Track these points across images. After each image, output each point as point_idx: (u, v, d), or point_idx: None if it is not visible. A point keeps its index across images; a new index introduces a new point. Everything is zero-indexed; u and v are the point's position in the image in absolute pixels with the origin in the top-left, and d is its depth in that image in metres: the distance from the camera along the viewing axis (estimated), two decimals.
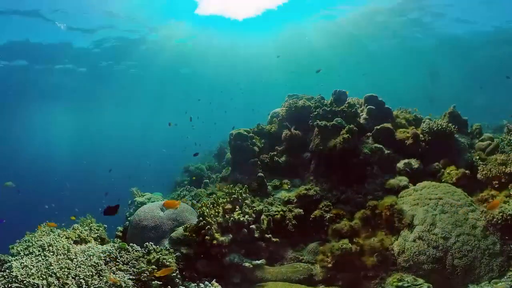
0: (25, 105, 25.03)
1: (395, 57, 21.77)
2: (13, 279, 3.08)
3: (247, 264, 3.97)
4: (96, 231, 4.38)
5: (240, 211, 4.29)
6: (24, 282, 3.06)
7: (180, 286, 3.62)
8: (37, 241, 3.64)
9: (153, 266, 3.60)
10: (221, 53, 19.43)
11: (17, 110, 26.26)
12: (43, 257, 3.40)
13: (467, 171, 4.85)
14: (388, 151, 5.46)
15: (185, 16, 14.86)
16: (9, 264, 3.26)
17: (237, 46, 18.31)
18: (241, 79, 23.78)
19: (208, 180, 8.14)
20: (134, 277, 3.47)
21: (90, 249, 3.73)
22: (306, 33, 17.35)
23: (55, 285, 3.08)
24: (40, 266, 3.26)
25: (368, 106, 6.05)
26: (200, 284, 3.61)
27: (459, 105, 5.98)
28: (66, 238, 3.89)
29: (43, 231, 3.98)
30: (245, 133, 6.24)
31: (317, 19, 15.77)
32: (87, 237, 4.13)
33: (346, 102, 6.21)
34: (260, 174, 5.75)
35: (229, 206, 4.39)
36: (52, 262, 3.33)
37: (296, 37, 17.71)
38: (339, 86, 6.47)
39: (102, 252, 3.68)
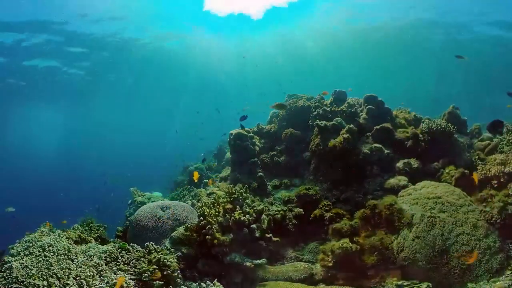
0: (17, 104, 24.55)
1: (399, 55, 21.61)
2: (14, 279, 3.07)
3: (248, 264, 3.98)
4: (96, 231, 4.37)
5: (240, 211, 4.29)
6: (25, 282, 3.05)
7: (181, 286, 3.62)
8: (37, 241, 3.63)
9: (154, 266, 3.59)
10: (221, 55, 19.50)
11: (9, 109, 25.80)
12: (43, 258, 3.38)
13: (466, 171, 4.88)
14: (388, 151, 5.48)
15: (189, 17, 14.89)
16: (9, 264, 3.24)
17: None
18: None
19: (208, 180, 8.13)
20: (135, 277, 3.47)
21: (90, 249, 3.72)
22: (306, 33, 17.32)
23: (56, 286, 3.07)
24: (41, 266, 3.25)
25: (368, 106, 6.06)
26: (202, 283, 3.61)
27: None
28: (67, 238, 3.88)
29: (43, 231, 3.97)
30: (245, 133, 6.24)
31: (317, 15, 15.76)
32: (87, 237, 4.12)
33: (346, 102, 6.23)
34: (260, 173, 5.76)
35: (229, 205, 4.39)
36: (53, 262, 3.32)
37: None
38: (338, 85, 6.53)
39: (102, 252, 3.68)
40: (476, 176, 4.44)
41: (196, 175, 4.42)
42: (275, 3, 14.06)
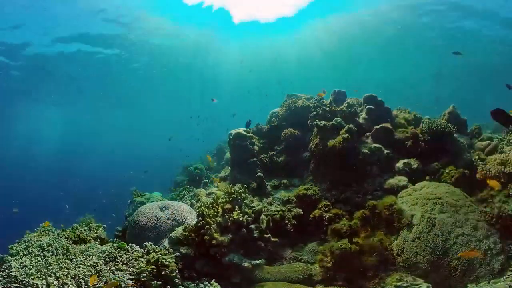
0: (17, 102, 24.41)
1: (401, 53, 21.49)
2: (13, 279, 3.08)
3: (246, 264, 3.98)
4: (95, 231, 4.38)
5: (239, 211, 4.29)
6: (24, 282, 3.05)
7: (179, 286, 3.62)
8: (36, 241, 3.64)
9: (153, 266, 3.60)
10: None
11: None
12: (42, 257, 3.39)
13: (466, 171, 4.86)
14: (387, 151, 5.46)
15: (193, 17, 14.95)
16: (9, 264, 3.25)
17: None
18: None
19: (207, 180, 8.14)
20: (133, 277, 3.47)
21: (89, 249, 3.73)
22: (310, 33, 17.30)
23: (54, 285, 3.08)
24: (40, 266, 3.26)
25: (368, 106, 6.05)
26: (200, 284, 3.61)
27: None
28: (66, 238, 3.89)
29: (43, 231, 3.98)
30: (244, 133, 6.25)
31: (316, 18, 15.79)
32: (86, 237, 4.13)
33: (346, 102, 6.22)
34: (259, 174, 5.76)
35: (228, 206, 4.39)
36: (52, 262, 3.32)
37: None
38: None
39: (101, 252, 3.68)
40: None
41: (209, 159, 4.62)
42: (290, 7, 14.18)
